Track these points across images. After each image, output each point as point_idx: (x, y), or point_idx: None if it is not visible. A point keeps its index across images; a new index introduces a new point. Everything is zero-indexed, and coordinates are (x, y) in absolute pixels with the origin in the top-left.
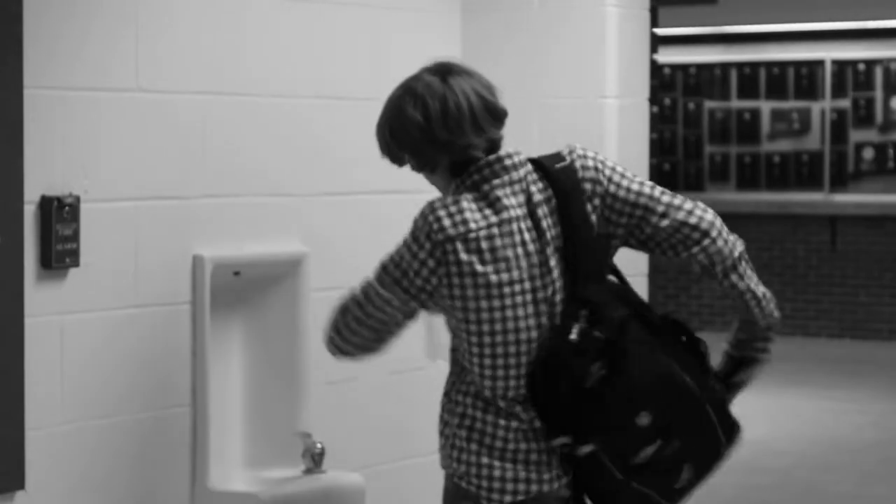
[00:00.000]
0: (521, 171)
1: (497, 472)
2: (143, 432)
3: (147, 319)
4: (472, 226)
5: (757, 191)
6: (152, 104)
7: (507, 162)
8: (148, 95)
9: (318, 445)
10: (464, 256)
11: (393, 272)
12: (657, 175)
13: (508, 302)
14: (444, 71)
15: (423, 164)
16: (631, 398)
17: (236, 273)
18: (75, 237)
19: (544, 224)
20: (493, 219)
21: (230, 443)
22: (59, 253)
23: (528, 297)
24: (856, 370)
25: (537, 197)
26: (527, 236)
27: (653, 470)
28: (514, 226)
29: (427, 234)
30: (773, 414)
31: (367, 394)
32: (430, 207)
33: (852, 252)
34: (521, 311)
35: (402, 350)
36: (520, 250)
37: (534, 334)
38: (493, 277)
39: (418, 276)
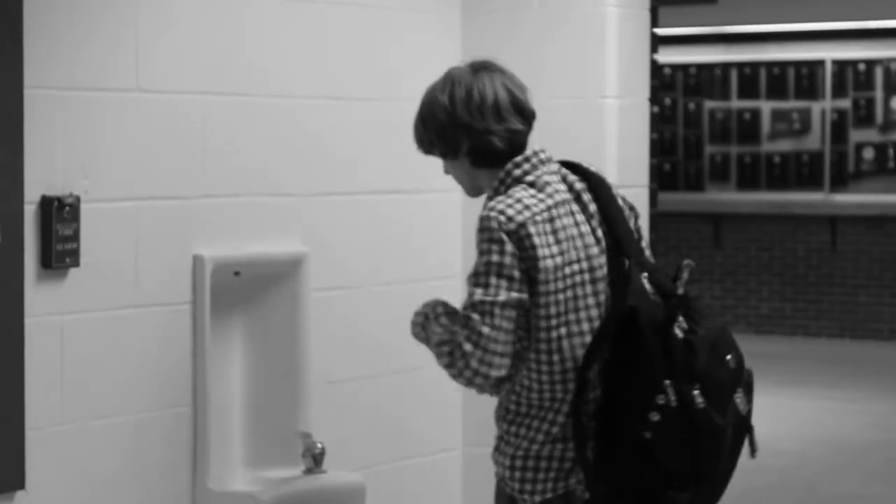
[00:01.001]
0: (555, 165)
1: (530, 475)
2: (144, 432)
3: (147, 319)
4: (535, 209)
5: (757, 191)
6: (153, 104)
7: (543, 156)
8: (148, 95)
9: (319, 445)
10: (537, 240)
11: (494, 275)
12: (657, 175)
13: (570, 282)
14: (478, 66)
15: (447, 147)
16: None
17: (236, 273)
18: (75, 237)
19: (591, 208)
20: (549, 201)
21: (231, 443)
22: (60, 253)
23: (587, 276)
24: (856, 370)
25: (578, 185)
26: (580, 217)
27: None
28: (568, 207)
29: (500, 228)
30: (773, 414)
31: (367, 394)
32: (488, 209)
33: (852, 252)
34: (580, 291)
35: (404, 349)
36: (575, 231)
37: (593, 312)
38: (559, 259)
39: (514, 267)
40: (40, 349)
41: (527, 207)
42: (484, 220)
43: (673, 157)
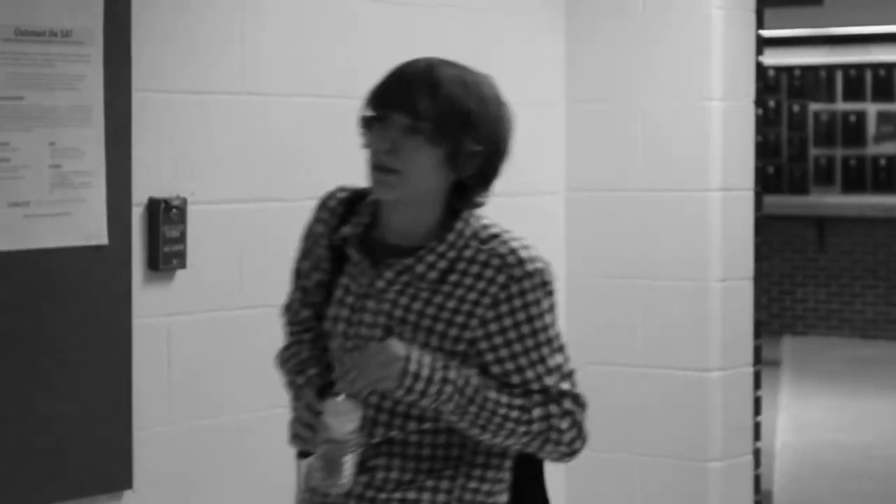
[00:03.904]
0: None
1: None
2: (249, 433)
3: (253, 321)
4: None
5: (862, 193)
6: (259, 107)
7: None
8: (254, 98)
9: None
10: None
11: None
12: (762, 178)
13: None
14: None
15: (457, 147)
16: None
17: None
18: (182, 239)
19: None
20: None
21: None
22: (167, 255)
23: None
24: None
25: None
26: None
27: None
28: None
29: (552, 278)
30: (876, 419)
31: None
32: (535, 255)
33: None
34: None
35: None
36: None
37: None
38: None
39: None
40: (147, 350)
41: None
42: (545, 269)
43: (777, 160)
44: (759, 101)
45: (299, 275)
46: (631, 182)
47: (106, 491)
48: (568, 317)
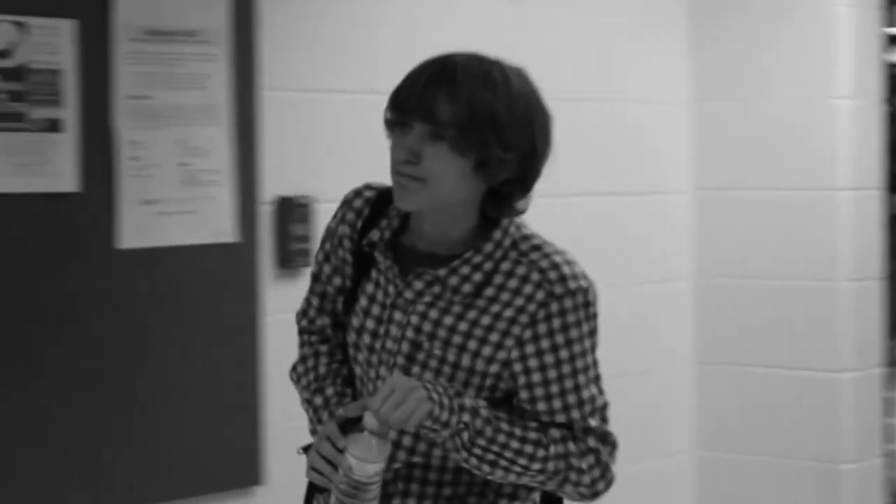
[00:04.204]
0: None
1: None
2: None
3: None
4: None
5: None
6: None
7: None
8: (382, 97)
9: None
10: None
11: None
12: (890, 179)
13: None
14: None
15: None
16: None
17: None
18: (308, 237)
19: None
20: None
21: None
22: (293, 252)
23: None
24: None
25: None
26: None
27: None
28: None
29: (595, 299)
30: None
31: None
32: (580, 271)
33: None
34: None
35: (638, 350)
36: None
37: None
38: None
39: None
40: (276, 346)
41: None
42: (588, 288)
43: None
44: (887, 100)
45: (318, 278)
46: (758, 181)
47: (237, 487)
48: (696, 316)
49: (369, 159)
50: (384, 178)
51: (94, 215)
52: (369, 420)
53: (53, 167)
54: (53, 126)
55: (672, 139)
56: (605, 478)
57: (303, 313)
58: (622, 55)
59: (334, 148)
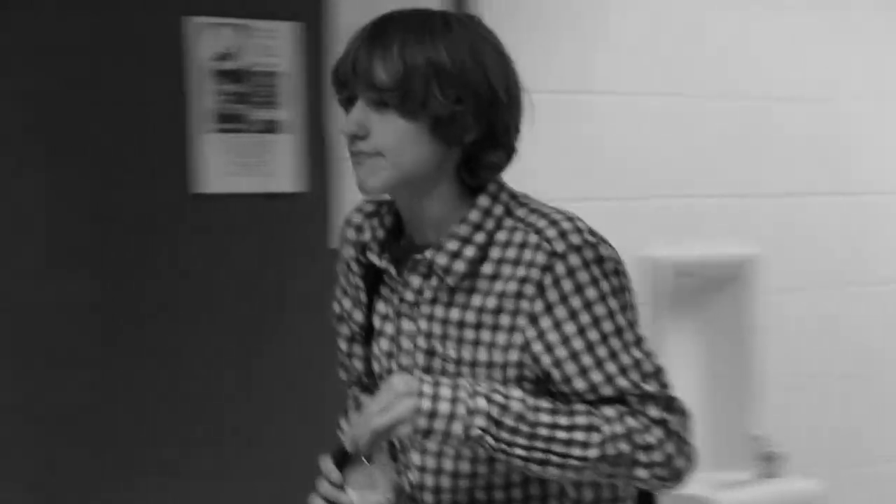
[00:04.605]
0: None
1: None
2: None
3: None
4: None
5: None
6: (605, 106)
7: None
8: (603, 98)
9: (773, 449)
10: None
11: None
12: None
13: None
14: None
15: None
16: None
17: (685, 274)
18: None
19: None
20: None
21: None
22: None
23: None
24: None
25: None
26: None
27: None
28: None
29: (610, 256)
30: None
31: (822, 397)
32: (584, 226)
33: None
34: None
35: (861, 353)
36: None
37: None
38: None
39: None
40: None
41: None
42: (596, 245)
43: None
44: None
45: (341, 318)
46: None
47: None
48: None
49: (571, 159)
50: (578, 177)
51: (309, 215)
52: (351, 444)
53: (271, 167)
54: (271, 127)
55: (891, 137)
56: (684, 452)
57: (340, 366)
58: (838, 54)
59: (550, 147)
